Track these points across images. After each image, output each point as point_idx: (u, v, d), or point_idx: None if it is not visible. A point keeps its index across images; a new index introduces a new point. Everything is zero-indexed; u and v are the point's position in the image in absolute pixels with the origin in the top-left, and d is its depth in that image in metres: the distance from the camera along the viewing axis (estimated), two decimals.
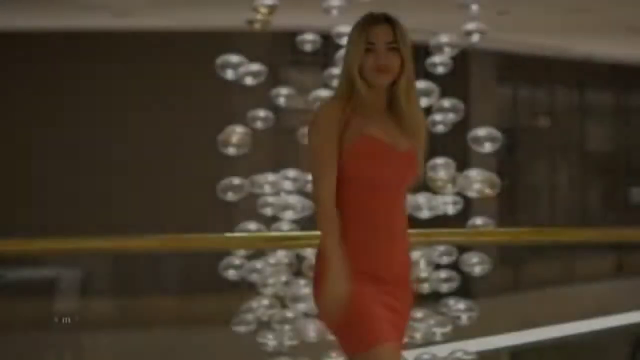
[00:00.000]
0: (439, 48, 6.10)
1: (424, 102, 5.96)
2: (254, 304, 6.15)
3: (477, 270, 5.94)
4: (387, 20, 3.37)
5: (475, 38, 5.89)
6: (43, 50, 11.48)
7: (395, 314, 3.38)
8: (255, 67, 5.86)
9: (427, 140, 3.50)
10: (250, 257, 6.17)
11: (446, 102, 6.10)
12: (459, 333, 6.29)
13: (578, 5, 9.99)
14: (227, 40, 6.76)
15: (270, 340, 6.10)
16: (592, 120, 17.24)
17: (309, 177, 3.74)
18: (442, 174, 5.96)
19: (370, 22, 3.36)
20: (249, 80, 5.81)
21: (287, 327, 6.02)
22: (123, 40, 11.28)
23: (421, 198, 5.92)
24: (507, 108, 15.28)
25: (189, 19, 10.32)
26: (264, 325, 6.21)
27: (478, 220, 5.99)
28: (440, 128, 6.05)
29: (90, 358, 9.42)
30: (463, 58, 6.15)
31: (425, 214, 5.90)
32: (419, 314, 6.11)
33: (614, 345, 15.31)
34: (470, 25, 5.91)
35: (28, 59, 11.50)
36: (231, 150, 5.93)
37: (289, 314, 6.01)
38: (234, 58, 5.90)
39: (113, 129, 11.52)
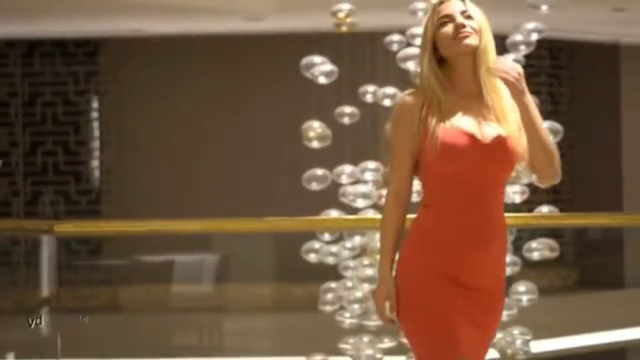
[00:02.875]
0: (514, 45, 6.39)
1: None
2: (334, 284, 6.66)
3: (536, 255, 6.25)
4: None
5: (534, 37, 6.17)
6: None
7: (476, 329, 3.19)
8: (328, 67, 6.28)
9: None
10: (329, 243, 6.67)
11: None
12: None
13: None
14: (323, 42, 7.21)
15: (347, 319, 6.60)
16: None
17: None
18: None
19: (439, 3, 3.29)
20: (322, 80, 6.26)
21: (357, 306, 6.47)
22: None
23: None
24: None
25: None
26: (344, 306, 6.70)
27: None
28: None
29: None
30: None
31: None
32: None
33: None
34: (531, 25, 6.21)
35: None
36: (314, 144, 6.44)
37: (358, 294, 6.47)
38: (317, 59, 6.37)
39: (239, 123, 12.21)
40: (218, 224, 6.18)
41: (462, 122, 3.21)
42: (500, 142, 3.21)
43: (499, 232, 3.25)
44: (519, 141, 3.23)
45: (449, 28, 3.22)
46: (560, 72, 12.59)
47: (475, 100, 3.25)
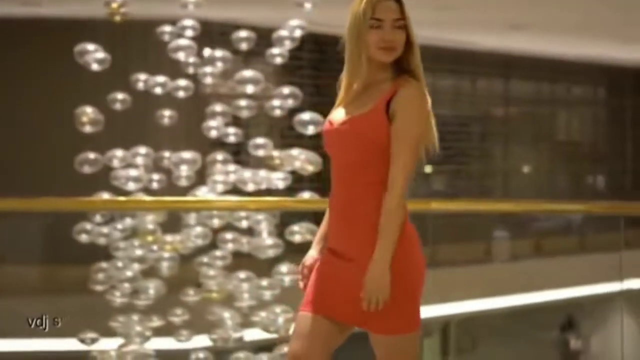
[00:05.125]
0: (280, 40, 6.76)
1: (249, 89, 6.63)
2: (104, 265, 6.86)
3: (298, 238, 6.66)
4: None
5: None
6: None
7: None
8: (101, 54, 6.45)
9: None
10: (100, 224, 6.87)
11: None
12: None
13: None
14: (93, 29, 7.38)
15: (118, 298, 6.82)
16: None
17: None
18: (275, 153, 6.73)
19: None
20: (95, 67, 6.45)
21: (127, 285, 6.71)
22: None
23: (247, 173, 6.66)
24: None
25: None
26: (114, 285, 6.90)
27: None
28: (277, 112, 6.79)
29: None
30: None
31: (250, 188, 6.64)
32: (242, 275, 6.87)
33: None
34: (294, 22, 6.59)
35: None
36: (87, 128, 6.62)
37: (129, 274, 6.71)
38: (90, 46, 6.54)
39: None
40: None
41: (344, 108, 3.36)
42: (345, 124, 3.30)
43: (360, 216, 3.29)
44: (370, 121, 3.25)
45: (375, 35, 3.24)
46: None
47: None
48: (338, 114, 3.34)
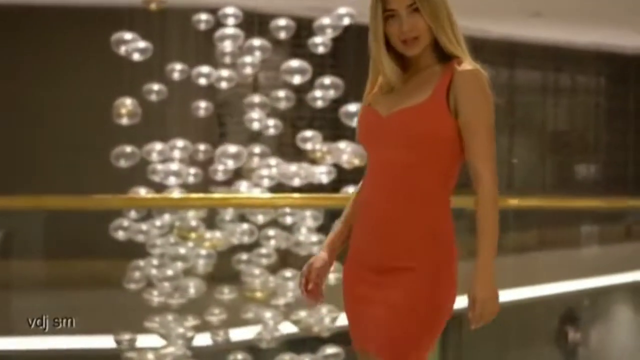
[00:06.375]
0: (321, 29, 6.48)
1: (296, 79, 6.40)
2: (141, 263, 6.62)
3: None
4: None
5: (346, 21, 6.33)
6: None
7: None
8: (142, 44, 6.18)
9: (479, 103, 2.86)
10: (138, 220, 6.63)
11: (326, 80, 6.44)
12: None
13: None
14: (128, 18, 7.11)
15: (155, 297, 6.58)
16: None
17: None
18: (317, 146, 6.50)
19: None
20: (136, 56, 6.18)
21: (167, 284, 6.47)
22: None
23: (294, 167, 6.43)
24: None
25: None
26: (151, 283, 6.67)
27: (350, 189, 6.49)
28: (319, 103, 6.55)
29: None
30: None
31: (296, 182, 6.41)
32: (288, 273, 6.65)
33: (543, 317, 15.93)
34: (342, 10, 6.33)
35: None
36: (124, 121, 6.37)
37: (170, 272, 6.47)
38: (127, 35, 6.29)
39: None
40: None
41: (386, 98, 2.95)
42: (395, 117, 2.90)
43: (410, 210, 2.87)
44: (429, 113, 2.85)
45: (394, 26, 2.88)
46: None
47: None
48: (382, 103, 2.92)
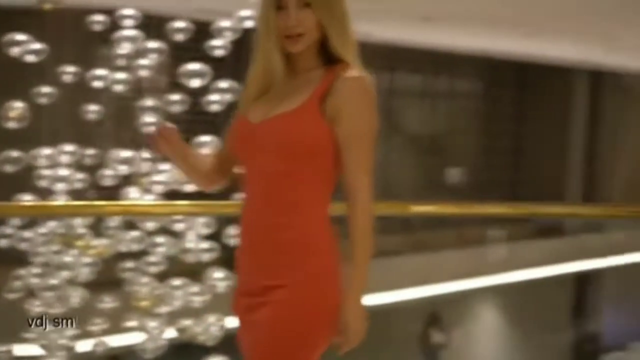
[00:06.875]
0: (219, 32, 6.35)
1: (196, 83, 6.22)
2: (22, 272, 6.35)
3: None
4: None
5: (249, 24, 6.18)
6: None
7: None
8: (37, 45, 5.90)
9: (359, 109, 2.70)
10: (21, 227, 6.35)
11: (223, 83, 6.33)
12: None
13: None
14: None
15: (36, 307, 6.33)
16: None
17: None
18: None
19: None
20: (30, 58, 5.90)
21: (51, 294, 6.24)
22: None
23: None
24: None
25: None
26: (32, 293, 6.41)
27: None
28: (215, 107, 6.38)
29: None
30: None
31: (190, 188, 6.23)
32: (177, 282, 6.48)
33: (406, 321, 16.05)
34: (244, 12, 6.16)
35: None
36: (11, 124, 6.07)
37: (54, 281, 6.23)
38: (20, 36, 5.99)
39: None
40: None
41: (259, 105, 2.79)
42: (266, 124, 2.73)
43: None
44: (300, 120, 2.69)
45: (280, 20, 2.72)
46: None
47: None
48: (257, 109, 2.76)
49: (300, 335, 2.67)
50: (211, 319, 6.44)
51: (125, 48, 5.84)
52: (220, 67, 6.42)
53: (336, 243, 2.74)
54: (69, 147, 6.30)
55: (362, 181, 2.66)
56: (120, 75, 6.04)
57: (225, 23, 6.25)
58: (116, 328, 6.55)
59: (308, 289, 2.68)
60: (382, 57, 15.85)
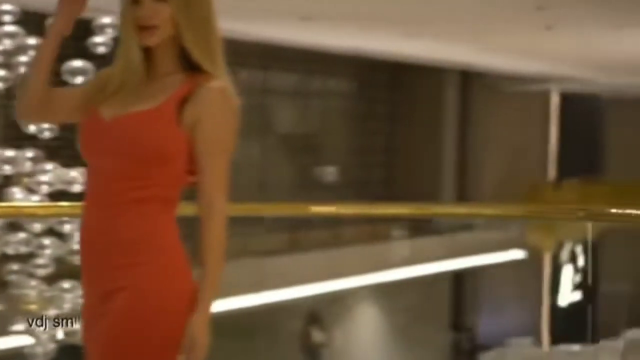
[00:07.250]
0: (101, 28, 6.22)
1: (79, 80, 6.11)
2: None
3: None
4: None
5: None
6: None
7: None
8: None
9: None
10: None
11: None
12: None
13: None
14: None
15: None
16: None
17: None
18: None
19: None
20: None
21: None
22: None
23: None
24: None
25: None
26: None
27: None
28: None
29: None
30: None
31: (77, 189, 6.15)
32: (67, 284, 6.38)
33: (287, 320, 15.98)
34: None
35: None
36: None
37: None
38: None
39: None
40: None
41: (109, 101, 2.69)
42: (116, 121, 2.64)
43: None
44: (153, 122, 2.62)
45: (133, 11, 2.64)
46: None
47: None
48: (109, 105, 2.66)
49: (147, 342, 2.59)
50: None
51: (4, 44, 5.71)
52: (103, 64, 6.33)
53: (181, 244, 2.67)
54: None
55: (219, 195, 2.62)
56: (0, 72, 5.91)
57: (106, 20, 6.20)
58: (3, 331, 6.42)
59: (151, 289, 2.60)
60: (256, 55, 15.87)
